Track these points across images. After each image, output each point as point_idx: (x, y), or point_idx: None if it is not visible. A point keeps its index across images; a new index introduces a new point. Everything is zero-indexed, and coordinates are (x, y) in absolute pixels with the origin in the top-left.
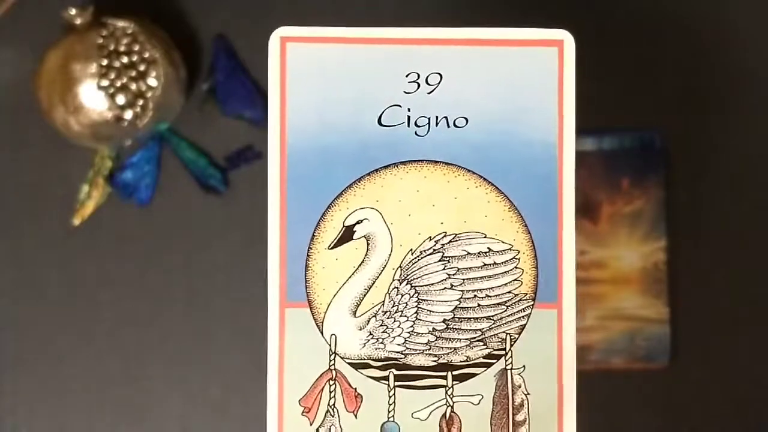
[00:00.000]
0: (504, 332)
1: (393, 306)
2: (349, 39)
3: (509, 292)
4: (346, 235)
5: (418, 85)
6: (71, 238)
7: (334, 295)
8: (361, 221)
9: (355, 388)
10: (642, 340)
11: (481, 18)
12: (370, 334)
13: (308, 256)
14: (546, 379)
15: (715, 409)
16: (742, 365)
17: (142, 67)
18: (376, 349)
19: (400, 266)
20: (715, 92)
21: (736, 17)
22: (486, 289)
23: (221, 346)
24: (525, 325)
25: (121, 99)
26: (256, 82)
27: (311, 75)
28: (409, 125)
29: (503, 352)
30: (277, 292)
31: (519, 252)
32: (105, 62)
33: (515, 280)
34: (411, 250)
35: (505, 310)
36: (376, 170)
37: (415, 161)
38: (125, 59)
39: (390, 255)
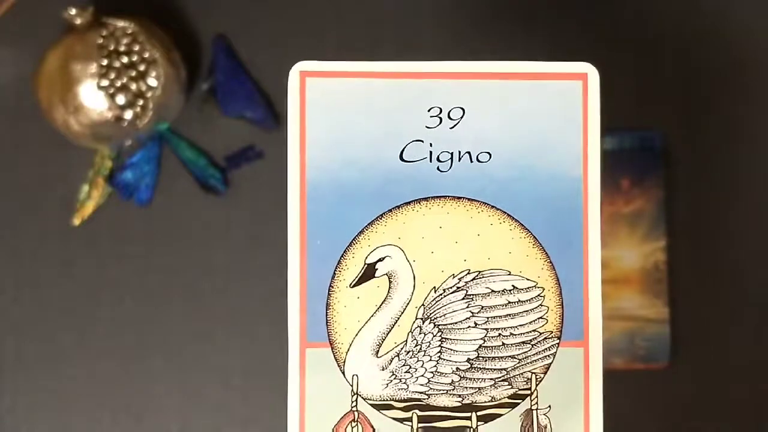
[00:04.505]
0: (529, 371)
1: (416, 345)
2: (370, 73)
3: (534, 330)
4: (368, 272)
5: (441, 120)
6: (71, 238)
7: (356, 335)
8: (383, 259)
9: (378, 430)
10: (642, 340)
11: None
12: (393, 374)
13: (329, 294)
14: (572, 419)
15: (715, 409)
16: (742, 365)
17: (142, 67)
18: (398, 389)
19: (422, 304)
20: (715, 92)
21: (736, 17)
22: (510, 327)
23: (221, 346)
24: (551, 364)
25: (121, 99)
26: (257, 83)
27: (331, 110)
28: (431, 160)
29: (529, 392)
30: (298, 332)
31: (544, 289)
32: (105, 62)
33: (540, 318)
34: (434, 287)
35: (530, 349)
36: (398, 206)
37: (437, 197)
38: (125, 59)
39: (412, 293)
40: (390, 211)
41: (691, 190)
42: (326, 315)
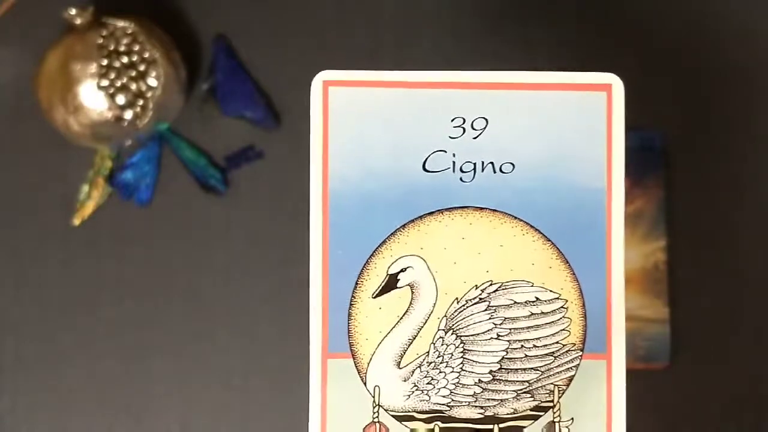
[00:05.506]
0: (552, 384)
1: (438, 356)
2: (393, 83)
3: (557, 342)
4: (390, 283)
5: (464, 130)
6: (71, 238)
7: (378, 346)
8: (405, 269)
9: None
10: (642, 340)
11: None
12: (415, 385)
13: (351, 305)
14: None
15: (715, 409)
16: (742, 365)
17: (142, 67)
18: (420, 401)
19: (445, 315)
20: (715, 92)
21: (736, 17)
22: (533, 339)
23: (221, 346)
24: (573, 376)
25: (121, 99)
26: (257, 83)
27: (354, 119)
28: (454, 171)
29: (551, 404)
30: (320, 343)
31: (567, 301)
32: (105, 62)
33: (563, 330)
34: (456, 299)
35: (553, 361)
36: (421, 217)
37: (460, 208)
38: (125, 59)
39: (435, 304)
40: (412, 221)
41: (691, 190)
42: (348, 325)
